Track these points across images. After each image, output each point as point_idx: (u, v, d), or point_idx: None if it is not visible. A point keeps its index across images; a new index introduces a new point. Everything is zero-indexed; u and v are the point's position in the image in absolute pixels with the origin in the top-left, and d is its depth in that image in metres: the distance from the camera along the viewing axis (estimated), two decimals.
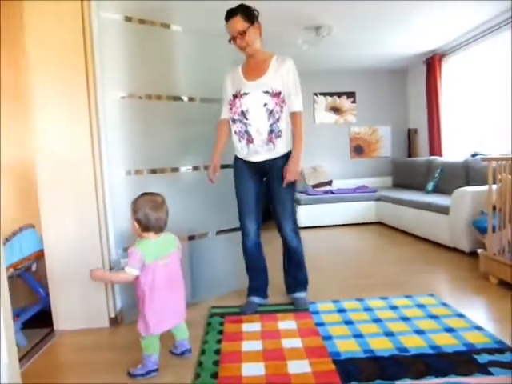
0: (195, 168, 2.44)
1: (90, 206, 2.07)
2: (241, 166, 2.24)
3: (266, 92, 2.08)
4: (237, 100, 2.13)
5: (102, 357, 1.82)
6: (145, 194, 1.68)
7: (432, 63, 5.04)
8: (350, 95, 5.94)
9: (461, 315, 2.06)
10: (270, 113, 2.08)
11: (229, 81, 2.21)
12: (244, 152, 2.19)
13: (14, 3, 2.11)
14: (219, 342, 1.87)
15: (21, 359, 1.71)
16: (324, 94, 5.82)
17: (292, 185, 2.17)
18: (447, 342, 1.76)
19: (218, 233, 2.53)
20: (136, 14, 2.18)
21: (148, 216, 1.60)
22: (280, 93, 2.09)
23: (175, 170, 2.37)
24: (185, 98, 2.39)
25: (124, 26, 2.16)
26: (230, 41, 2.12)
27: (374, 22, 3.94)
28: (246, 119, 2.11)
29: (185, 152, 2.43)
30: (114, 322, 2.17)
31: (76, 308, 2.11)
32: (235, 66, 2.24)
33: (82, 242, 2.07)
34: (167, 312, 1.62)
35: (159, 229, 1.64)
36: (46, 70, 2.01)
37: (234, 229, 2.59)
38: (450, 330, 1.89)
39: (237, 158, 2.26)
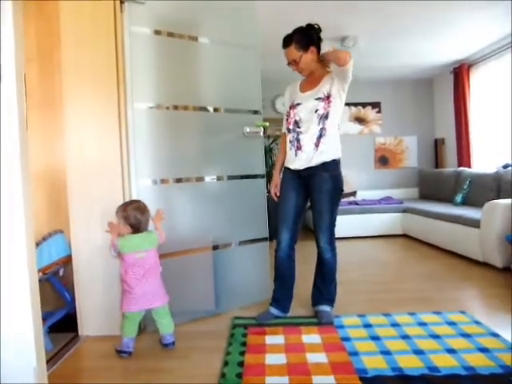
0: (219, 178, 2.45)
1: None
2: (287, 176, 2.28)
3: (318, 98, 2.14)
4: (291, 111, 2.23)
5: (124, 364, 1.83)
6: (130, 202, 1.96)
7: (460, 73, 4.94)
8: (375, 105, 5.87)
9: (495, 334, 1.96)
10: (321, 118, 2.14)
11: (287, 95, 2.34)
12: (291, 159, 2.23)
13: (52, 19, 2.20)
14: (242, 353, 1.84)
15: (46, 363, 1.73)
16: (348, 105, 5.77)
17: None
18: (482, 363, 1.67)
19: (241, 243, 2.52)
20: (165, 27, 2.23)
21: (138, 220, 1.89)
22: (329, 95, 2.13)
23: (200, 179, 2.38)
24: (210, 109, 2.41)
25: (153, 39, 2.21)
26: (287, 64, 2.22)
27: (400, 32, 3.90)
28: (299, 127, 2.19)
29: (209, 162, 2.44)
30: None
31: (101, 314, 2.13)
32: (297, 80, 2.32)
33: (109, 249, 2.09)
34: (136, 297, 1.86)
35: (144, 229, 1.93)
36: (79, 81, 2.07)
37: (257, 239, 2.58)
38: (484, 350, 1.80)
39: (285, 168, 2.30)
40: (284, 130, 2.32)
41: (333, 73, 2.15)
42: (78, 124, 2.09)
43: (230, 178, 2.48)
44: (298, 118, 2.19)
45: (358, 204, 5.01)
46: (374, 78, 5.67)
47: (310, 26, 2.17)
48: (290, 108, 2.24)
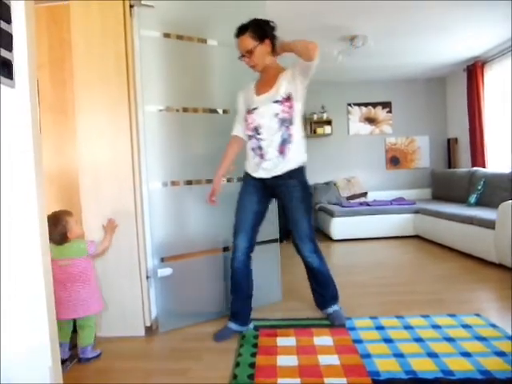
0: (229, 180, 2.45)
1: (129, 216, 2.12)
2: (249, 182, 2.16)
3: (276, 101, 2.00)
4: (248, 116, 2.09)
5: (136, 365, 1.84)
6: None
7: (473, 71, 4.86)
8: (386, 105, 5.81)
9: None
10: (282, 122, 2.01)
11: (241, 98, 2.18)
12: (255, 168, 2.11)
13: (63, 26, 2.23)
14: (254, 355, 1.84)
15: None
16: (358, 105, 5.73)
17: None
18: (498, 367, 1.63)
19: None
20: (174, 30, 2.25)
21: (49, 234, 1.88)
22: (289, 97, 2.00)
23: (210, 181, 2.38)
24: (219, 111, 2.41)
25: (163, 42, 2.23)
26: (239, 57, 2.06)
27: (410, 30, 3.86)
28: (258, 134, 2.05)
29: (219, 163, 2.44)
30: (150, 330, 2.19)
31: (113, 316, 2.14)
32: (250, 83, 2.18)
33: (120, 251, 2.12)
34: (59, 305, 1.81)
35: (62, 240, 1.90)
36: (90, 85, 2.10)
37: (268, 241, 2.57)
38: (500, 353, 1.76)
39: (246, 173, 2.19)
40: (235, 133, 2.19)
41: (294, 69, 1.98)
42: (90, 127, 2.12)
43: (240, 179, 2.48)
44: (256, 124, 2.04)
45: (369, 205, 4.96)
46: (384, 78, 5.62)
47: (266, 21, 2.02)
48: (248, 113, 2.09)
